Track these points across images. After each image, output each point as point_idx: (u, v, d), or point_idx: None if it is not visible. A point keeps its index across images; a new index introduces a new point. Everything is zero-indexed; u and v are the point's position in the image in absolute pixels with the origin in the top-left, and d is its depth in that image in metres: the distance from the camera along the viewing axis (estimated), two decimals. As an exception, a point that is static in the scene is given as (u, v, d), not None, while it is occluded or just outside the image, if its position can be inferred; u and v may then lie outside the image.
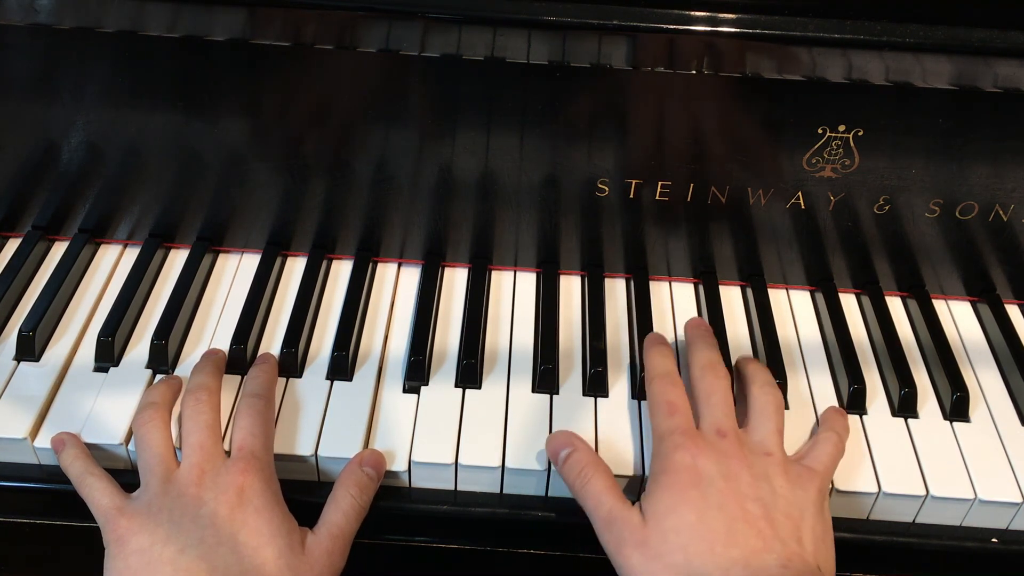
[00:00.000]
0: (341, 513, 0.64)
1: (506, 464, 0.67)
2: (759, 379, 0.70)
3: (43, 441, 0.67)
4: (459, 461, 0.67)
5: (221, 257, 0.83)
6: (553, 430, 0.69)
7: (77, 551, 0.72)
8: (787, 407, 0.72)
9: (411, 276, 0.82)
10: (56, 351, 0.73)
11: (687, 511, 0.60)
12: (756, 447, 0.64)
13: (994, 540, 0.68)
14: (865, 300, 0.82)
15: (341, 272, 0.82)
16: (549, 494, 0.68)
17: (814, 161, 0.74)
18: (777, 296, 0.82)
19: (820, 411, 0.72)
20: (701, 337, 0.73)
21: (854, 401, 0.73)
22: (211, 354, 0.72)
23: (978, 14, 0.67)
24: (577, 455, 0.65)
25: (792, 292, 0.83)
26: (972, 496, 0.67)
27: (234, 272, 0.82)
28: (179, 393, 0.70)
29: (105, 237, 0.83)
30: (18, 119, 0.75)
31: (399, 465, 0.67)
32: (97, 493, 0.63)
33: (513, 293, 0.81)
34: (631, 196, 0.77)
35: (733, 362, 0.74)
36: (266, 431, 0.66)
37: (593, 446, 0.68)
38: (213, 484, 0.62)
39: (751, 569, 0.57)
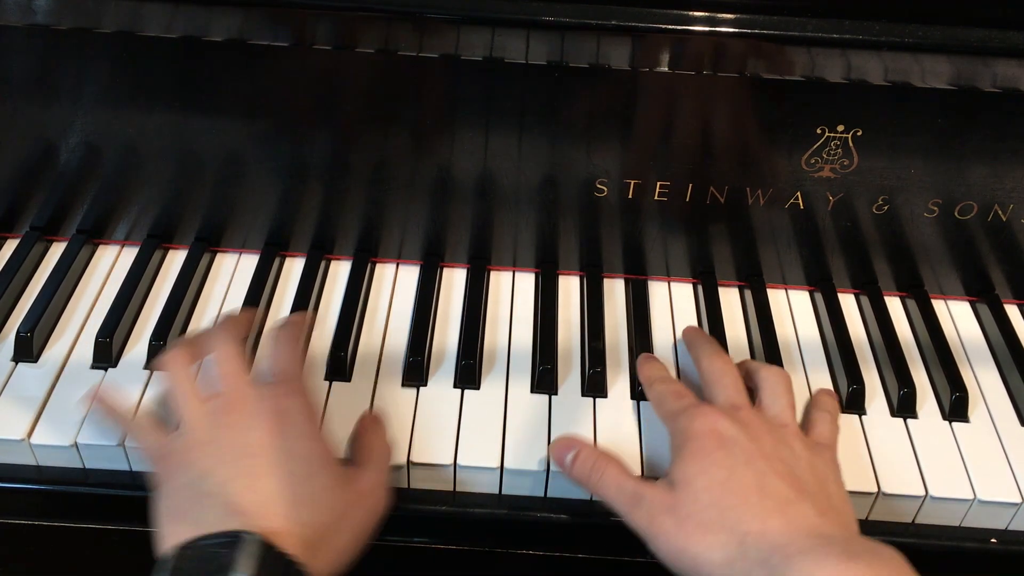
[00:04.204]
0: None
1: (505, 465, 0.67)
2: (765, 365, 0.70)
3: (41, 441, 0.67)
4: (458, 462, 0.67)
5: (219, 257, 0.83)
6: (552, 430, 0.69)
7: (75, 552, 0.72)
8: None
9: (410, 276, 0.82)
10: (54, 352, 0.73)
11: (716, 470, 0.60)
12: (772, 420, 0.65)
13: (993, 540, 0.68)
14: (864, 300, 0.82)
15: (339, 272, 0.82)
16: (548, 495, 0.68)
17: (813, 161, 0.74)
18: (776, 296, 0.82)
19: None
20: (701, 336, 0.75)
21: (853, 401, 0.73)
22: None
23: (977, 14, 0.66)
24: (583, 454, 0.65)
25: (791, 292, 0.83)
26: (971, 496, 0.67)
27: (232, 272, 0.82)
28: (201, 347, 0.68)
29: (103, 238, 0.83)
30: (16, 120, 0.74)
31: (397, 465, 0.67)
32: (141, 437, 0.64)
33: (512, 293, 0.81)
34: (630, 196, 0.76)
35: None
36: (299, 357, 0.68)
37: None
38: (255, 410, 0.61)
39: (788, 517, 0.57)
